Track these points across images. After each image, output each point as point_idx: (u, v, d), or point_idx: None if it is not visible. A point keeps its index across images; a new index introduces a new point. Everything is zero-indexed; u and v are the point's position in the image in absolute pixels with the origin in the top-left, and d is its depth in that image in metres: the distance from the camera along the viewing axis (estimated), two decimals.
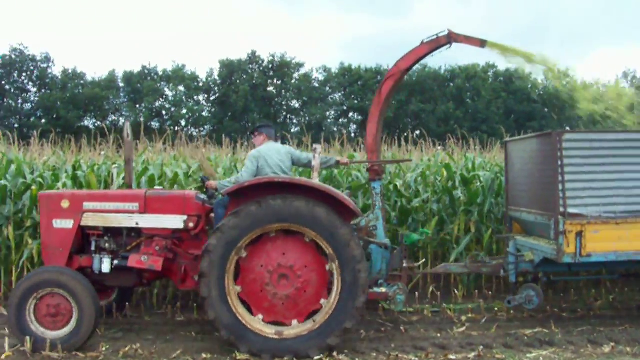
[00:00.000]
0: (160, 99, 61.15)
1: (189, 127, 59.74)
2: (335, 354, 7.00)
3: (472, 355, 7.07)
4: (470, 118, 57.16)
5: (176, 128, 56.72)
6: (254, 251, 7.17)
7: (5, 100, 58.41)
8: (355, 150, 13.09)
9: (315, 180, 7.75)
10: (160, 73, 61.87)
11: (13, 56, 58.96)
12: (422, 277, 10.23)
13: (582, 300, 9.75)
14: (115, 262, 7.75)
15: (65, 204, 7.77)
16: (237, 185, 7.34)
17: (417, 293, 9.89)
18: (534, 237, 8.45)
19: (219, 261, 6.98)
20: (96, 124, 58.92)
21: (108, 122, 58.76)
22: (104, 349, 7.27)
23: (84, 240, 7.93)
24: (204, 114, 60.72)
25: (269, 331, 7.04)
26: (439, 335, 7.99)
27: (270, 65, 62.03)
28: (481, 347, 7.26)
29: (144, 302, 9.61)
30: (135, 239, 7.83)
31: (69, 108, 56.64)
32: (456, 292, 9.83)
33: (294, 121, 62.32)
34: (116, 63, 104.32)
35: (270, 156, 8.14)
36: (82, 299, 7.17)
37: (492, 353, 7.16)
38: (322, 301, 7.13)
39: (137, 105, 60.21)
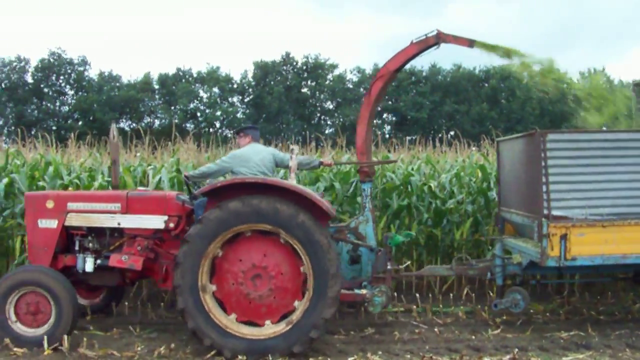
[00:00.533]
0: (195, 101, 61.75)
1: (223, 129, 60.23)
2: (369, 354, 7.08)
3: (506, 357, 6.99)
4: (504, 118, 56.57)
5: (210, 129, 57.32)
6: (229, 250, 7.19)
7: (43, 102, 59.74)
8: (389, 152, 13.12)
9: (292, 181, 7.74)
10: (195, 75, 62.53)
11: (51, 60, 60.26)
12: (457, 279, 10.17)
13: (620, 303, 9.53)
14: (98, 261, 7.86)
15: (50, 204, 7.90)
16: (210, 186, 7.36)
17: (451, 295, 9.91)
18: (524, 239, 8.30)
19: (195, 253, 7.03)
20: (131, 126, 59.86)
21: (143, 124, 59.69)
22: (139, 348, 7.30)
23: (69, 240, 8.05)
24: (238, 115, 61.09)
25: (239, 330, 7.08)
26: (473, 337, 7.91)
27: (304, 67, 62.21)
28: (516, 350, 7.15)
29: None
30: (118, 239, 7.93)
31: (105, 110, 57.60)
32: (491, 293, 9.59)
33: (328, 122, 62.39)
34: (151, 65, 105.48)
35: (250, 157, 8.14)
36: (60, 297, 7.29)
37: (527, 356, 7.07)
38: (296, 303, 7.11)
39: (172, 107, 60.91)
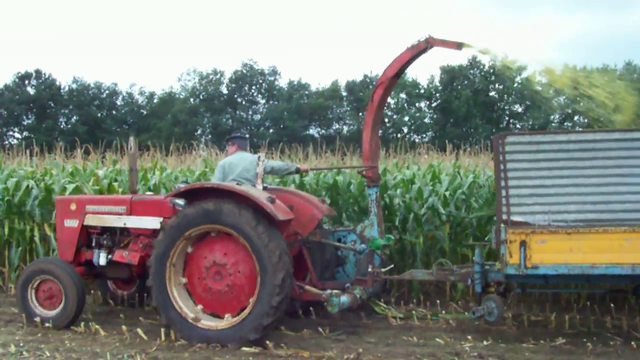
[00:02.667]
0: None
1: (411, 134, 60.87)
2: None
3: None
4: None
5: (398, 135, 58.18)
6: (198, 247, 7.95)
7: (237, 112, 64.23)
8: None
9: (259, 186, 8.33)
10: None
11: (244, 71, 64.67)
12: None
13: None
14: (109, 256, 9.01)
15: (73, 207, 9.25)
16: (175, 190, 8.20)
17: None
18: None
19: (160, 257, 7.88)
20: (320, 132, 62.44)
21: (332, 131, 62.03)
22: (330, 352, 7.33)
23: (88, 237, 9.29)
24: (425, 120, 61.47)
25: (200, 319, 7.80)
26: None
27: (491, 70, 61.05)
28: None
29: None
30: (126, 237, 9.04)
31: (294, 118, 60.73)
32: None
33: (517, 125, 60.65)
34: (339, 73, 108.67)
35: (236, 165, 8.81)
36: (66, 284, 8.52)
37: None
38: (251, 299, 7.67)
39: (360, 114, 62.57)
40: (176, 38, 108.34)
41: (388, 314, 9.13)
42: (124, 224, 8.91)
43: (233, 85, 64.96)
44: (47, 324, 8.51)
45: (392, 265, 8.91)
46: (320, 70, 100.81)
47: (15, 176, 12.46)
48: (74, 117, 63.27)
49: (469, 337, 7.70)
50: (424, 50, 8.64)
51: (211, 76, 65.28)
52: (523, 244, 7.22)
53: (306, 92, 64.48)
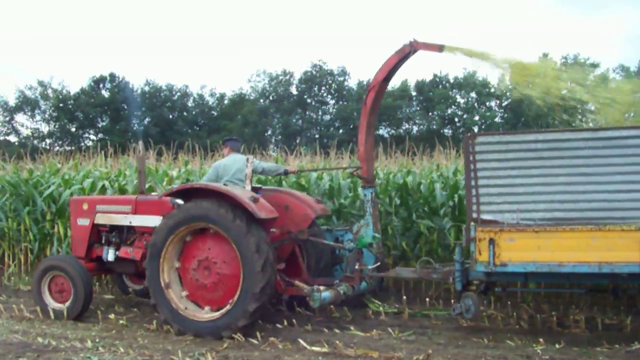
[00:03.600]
0: (452, 106, 62.59)
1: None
2: None
3: None
4: None
5: (469, 134, 57.64)
6: (197, 239, 8.46)
7: (307, 112, 64.96)
8: None
9: (248, 187, 8.81)
10: (452, 80, 63.31)
11: (313, 72, 65.36)
12: None
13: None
14: (117, 253, 9.66)
15: (85, 206, 9.99)
16: (166, 192, 8.84)
17: None
18: None
19: (153, 257, 8.47)
20: (390, 132, 62.57)
21: (402, 131, 62.03)
22: (399, 353, 7.26)
23: (99, 235, 9.98)
24: (496, 120, 60.73)
25: (188, 308, 8.37)
26: None
27: (564, 67, 59.79)
28: None
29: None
30: (132, 234, 9.69)
31: None
32: None
33: (590, 124, 59.27)
34: (408, 73, 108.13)
35: (229, 166, 9.31)
36: (75, 278, 9.23)
37: None
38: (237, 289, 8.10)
39: (429, 113, 62.43)
40: (246, 40, 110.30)
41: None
42: (130, 222, 9.55)
43: (302, 86, 65.71)
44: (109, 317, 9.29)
45: (379, 263, 9.20)
46: None
47: (91, 177, 13.28)
48: (147, 119, 65.30)
49: (541, 339, 7.64)
50: (409, 54, 8.97)
51: (281, 77, 66.26)
52: (492, 242, 7.41)
53: None
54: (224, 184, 8.83)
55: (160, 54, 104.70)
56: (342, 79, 65.78)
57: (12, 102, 63.35)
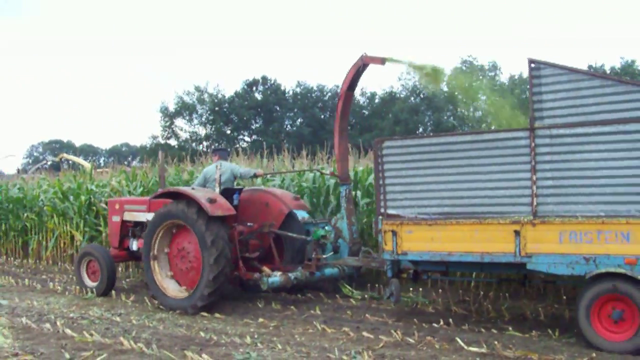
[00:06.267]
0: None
1: None
2: None
3: None
4: None
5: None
6: (180, 232, 10.49)
7: (458, 109, 65.23)
8: None
9: (216, 189, 10.76)
10: (608, 71, 61.16)
11: (463, 67, 65.46)
12: None
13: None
14: (138, 243, 11.84)
15: (117, 206, 12.39)
16: (154, 194, 11.04)
17: None
18: None
19: (145, 249, 10.66)
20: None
21: None
22: (560, 356, 7.22)
23: (127, 229, 12.26)
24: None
25: (168, 287, 10.41)
26: None
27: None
28: None
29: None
30: None
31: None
32: None
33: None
34: (568, 62, 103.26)
35: (215, 172, 11.17)
36: (102, 262, 11.65)
37: None
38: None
39: None
40: (396, 38, 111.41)
41: None
42: (146, 219, 11.58)
43: (453, 82, 65.97)
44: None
45: (331, 253, 10.60)
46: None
47: None
48: (299, 120, 68.42)
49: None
50: (362, 67, 10.28)
51: None
52: (394, 234, 8.67)
53: (526, 87, 63.68)
54: (207, 187, 10.73)
55: (310, 55, 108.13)
56: (492, 74, 65.42)
57: (171, 108, 69.08)
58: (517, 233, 7.79)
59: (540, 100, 7.79)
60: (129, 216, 12.09)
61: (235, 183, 11.65)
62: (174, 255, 10.43)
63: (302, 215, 11.32)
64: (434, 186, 8.52)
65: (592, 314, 7.42)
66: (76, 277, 12.40)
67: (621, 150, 7.27)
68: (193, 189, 10.59)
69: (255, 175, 11.72)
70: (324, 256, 10.51)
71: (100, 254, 11.73)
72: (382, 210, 8.84)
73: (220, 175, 10.98)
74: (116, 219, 12.32)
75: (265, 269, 10.46)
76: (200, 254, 9.78)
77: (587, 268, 7.39)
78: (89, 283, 12.00)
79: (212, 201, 9.85)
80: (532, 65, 7.86)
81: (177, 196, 10.43)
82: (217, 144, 63.18)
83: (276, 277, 10.06)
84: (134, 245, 11.96)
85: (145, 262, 10.57)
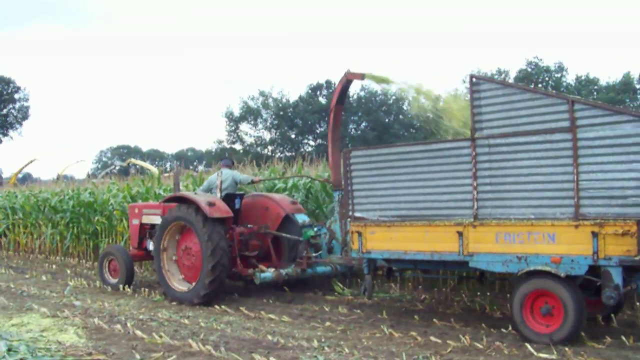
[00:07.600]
0: None
1: None
2: None
3: None
4: None
5: None
6: (185, 234, 11.76)
7: None
8: None
9: (217, 195, 11.96)
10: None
11: (529, 69, 65.28)
12: None
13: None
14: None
15: (136, 210, 13.74)
16: (164, 198, 12.42)
17: None
18: None
19: (156, 245, 12.01)
20: None
21: None
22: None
23: (145, 231, 13.58)
24: None
25: (175, 282, 11.74)
26: None
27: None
28: None
29: None
30: None
31: None
32: None
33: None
34: (630, 64, 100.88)
35: (222, 180, 12.39)
36: (120, 261, 13.04)
37: None
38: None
39: None
40: (458, 39, 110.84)
41: None
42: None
43: (519, 83, 65.75)
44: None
45: (320, 252, 11.63)
46: (610, 63, 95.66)
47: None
48: (363, 123, 69.28)
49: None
50: (347, 82, 11.26)
51: (496, 76, 66.91)
52: (360, 234, 9.64)
53: (595, 87, 63.07)
54: (212, 192, 11.97)
55: (375, 60, 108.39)
56: (559, 75, 64.97)
57: (236, 113, 71.11)
58: (460, 234, 8.63)
59: (480, 112, 8.59)
60: (146, 219, 13.40)
61: (237, 189, 12.81)
62: (180, 254, 11.71)
63: (302, 218, 12.38)
64: (393, 191, 9.42)
65: (524, 308, 8.16)
66: (98, 274, 13.83)
67: (548, 157, 8.03)
68: (196, 193, 11.79)
69: (253, 182, 12.94)
70: (314, 255, 11.56)
71: (119, 254, 13.09)
72: (350, 213, 9.81)
73: (221, 182, 12.19)
74: (135, 222, 13.65)
75: (261, 266, 11.57)
76: (200, 249, 11.01)
77: (520, 266, 8.19)
78: (110, 280, 13.38)
79: (211, 204, 11.06)
80: (474, 80, 8.72)
81: (182, 200, 11.61)
82: (281, 149, 64.69)
83: (268, 273, 11.25)
84: (150, 245, 13.20)
85: (156, 259, 11.91)
